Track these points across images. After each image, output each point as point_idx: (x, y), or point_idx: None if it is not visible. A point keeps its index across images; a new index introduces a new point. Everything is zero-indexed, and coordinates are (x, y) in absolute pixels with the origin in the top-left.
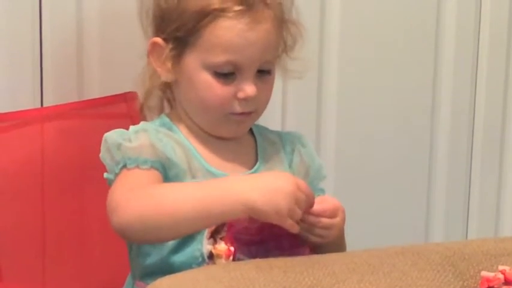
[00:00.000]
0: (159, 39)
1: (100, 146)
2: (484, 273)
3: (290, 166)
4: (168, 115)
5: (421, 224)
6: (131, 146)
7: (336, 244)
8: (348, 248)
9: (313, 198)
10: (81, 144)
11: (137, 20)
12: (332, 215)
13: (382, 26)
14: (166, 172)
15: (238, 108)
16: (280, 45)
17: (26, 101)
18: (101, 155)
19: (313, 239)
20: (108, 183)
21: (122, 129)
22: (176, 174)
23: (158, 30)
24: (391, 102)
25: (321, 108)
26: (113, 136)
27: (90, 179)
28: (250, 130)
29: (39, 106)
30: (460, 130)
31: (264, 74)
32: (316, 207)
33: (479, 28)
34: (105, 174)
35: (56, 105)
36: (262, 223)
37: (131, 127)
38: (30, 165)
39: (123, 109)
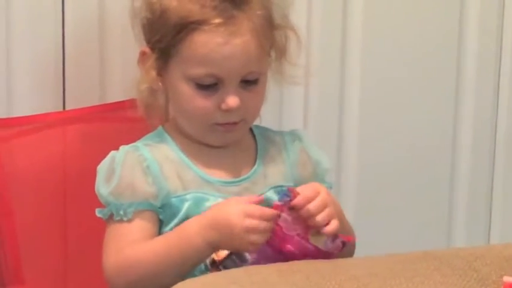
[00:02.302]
0: (147, 49)
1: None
2: (506, 278)
3: (292, 164)
4: (164, 126)
5: (443, 228)
6: (112, 189)
7: (340, 222)
8: (369, 252)
9: (269, 214)
10: (103, 147)
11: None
12: (315, 193)
13: (404, 31)
14: (158, 196)
15: (221, 118)
16: (270, 54)
17: (48, 104)
18: (96, 190)
19: (327, 229)
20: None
21: (111, 157)
22: (167, 192)
23: (146, 40)
24: (413, 106)
25: (343, 116)
26: (101, 170)
27: None
28: (252, 132)
29: (62, 109)
30: (482, 133)
31: (249, 83)
32: (297, 200)
33: (502, 29)
34: (98, 213)
35: (78, 109)
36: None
37: (120, 152)
38: (52, 168)
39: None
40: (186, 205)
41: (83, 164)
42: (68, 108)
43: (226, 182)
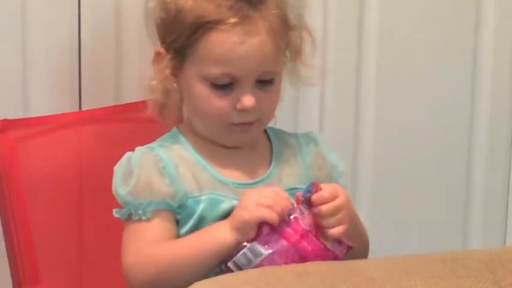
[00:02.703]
0: (161, 49)
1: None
2: None
3: (307, 167)
4: (179, 127)
5: (458, 230)
6: (130, 189)
7: (353, 226)
8: (384, 253)
9: (281, 193)
10: (118, 147)
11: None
12: (333, 197)
13: (419, 32)
14: (176, 196)
15: (237, 119)
16: (285, 53)
17: (64, 104)
18: (114, 190)
19: (331, 231)
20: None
21: (127, 157)
22: (184, 193)
23: (161, 40)
24: (428, 108)
25: (359, 117)
26: (118, 171)
27: None
28: (267, 134)
29: (78, 110)
30: (499, 134)
31: (265, 83)
32: (314, 196)
33: None
34: (115, 213)
35: (94, 109)
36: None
37: (136, 153)
38: (68, 168)
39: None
40: (201, 206)
41: (98, 164)
42: (83, 108)
43: (241, 184)
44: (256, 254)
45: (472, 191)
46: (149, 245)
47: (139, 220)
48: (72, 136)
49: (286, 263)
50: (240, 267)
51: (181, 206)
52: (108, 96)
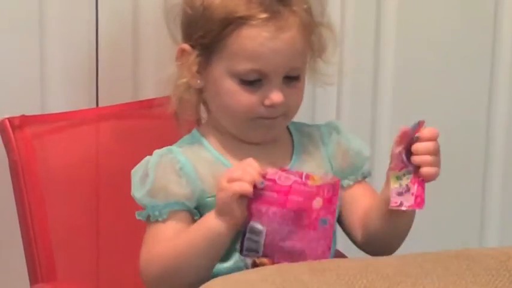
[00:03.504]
0: (186, 46)
1: (155, 146)
2: None
3: (330, 156)
4: (198, 129)
5: (475, 228)
6: (146, 191)
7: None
8: (400, 250)
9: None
10: (136, 144)
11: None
12: (433, 137)
13: (438, 27)
14: (193, 197)
15: (264, 113)
16: (310, 50)
17: (81, 101)
18: (133, 193)
19: (431, 170)
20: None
21: (145, 161)
22: (202, 193)
23: (186, 37)
24: (446, 104)
25: (375, 113)
26: (136, 174)
27: None
28: (288, 128)
29: (95, 106)
30: None
31: (291, 79)
32: (427, 130)
33: None
34: (138, 215)
35: (111, 106)
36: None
37: (153, 156)
38: (85, 164)
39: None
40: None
41: (115, 160)
42: (101, 105)
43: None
44: (257, 233)
45: (488, 189)
46: (160, 243)
47: (156, 221)
48: (89, 132)
49: (291, 227)
50: (254, 252)
51: (200, 206)
52: (125, 93)
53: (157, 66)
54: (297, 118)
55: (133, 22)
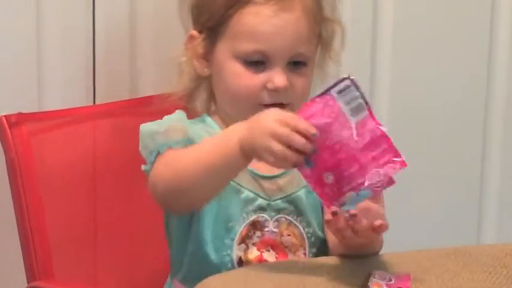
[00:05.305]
0: (194, 32)
1: None
2: None
3: None
4: (209, 114)
5: (472, 225)
6: (162, 131)
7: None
8: (398, 247)
9: (308, 129)
10: (133, 141)
11: (190, 18)
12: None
13: (434, 30)
14: None
15: (268, 99)
16: (318, 43)
17: (78, 98)
18: (139, 148)
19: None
20: (147, 175)
21: (156, 120)
22: None
23: (194, 23)
24: (443, 98)
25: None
26: (146, 127)
27: (141, 175)
28: None
29: (92, 104)
30: None
31: (298, 65)
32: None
33: None
34: (143, 167)
35: (109, 103)
36: None
37: (165, 116)
38: (83, 162)
39: (175, 107)
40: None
41: (112, 158)
42: (98, 102)
43: (261, 176)
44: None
45: (486, 186)
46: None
47: (170, 148)
48: (86, 130)
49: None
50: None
51: None
52: (122, 91)
53: (154, 63)
54: None
55: (130, 19)
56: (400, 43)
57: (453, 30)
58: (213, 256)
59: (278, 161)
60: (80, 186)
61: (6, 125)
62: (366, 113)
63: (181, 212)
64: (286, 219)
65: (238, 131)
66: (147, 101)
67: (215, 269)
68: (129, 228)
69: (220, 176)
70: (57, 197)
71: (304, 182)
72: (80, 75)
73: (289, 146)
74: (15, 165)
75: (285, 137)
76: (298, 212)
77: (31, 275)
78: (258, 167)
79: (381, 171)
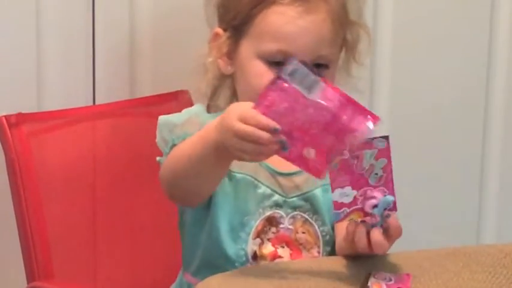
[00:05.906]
0: (219, 29)
1: (151, 144)
2: None
3: None
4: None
5: (472, 225)
6: (179, 124)
7: None
8: (398, 247)
9: (270, 125)
10: (133, 141)
11: (189, 19)
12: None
13: (434, 27)
14: None
15: None
16: (343, 46)
17: (78, 98)
18: (156, 139)
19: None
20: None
21: (175, 113)
22: None
23: (220, 21)
24: (443, 98)
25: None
26: (164, 118)
27: (141, 176)
28: None
29: (92, 104)
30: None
31: (320, 67)
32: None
33: None
34: (158, 158)
35: (108, 103)
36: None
37: (184, 109)
38: (82, 161)
39: (175, 107)
40: (234, 183)
41: (112, 158)
42: (97, 103)
43: (278, 172)
44: None
45: (486, 187)
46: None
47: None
48: (86, 130)
49: None
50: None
51: None
52: (122, 91)
53: (154, 64)
54: None
55: (130, 20)
56: (400, 43)
57: (453, 30)
58: (227, 248)
59: (253, 157)
60: (80, 185)
61: (6, 125)
62: (322, 85)
63: (184, 203)
64: (301, 216)
65: (213, 129)
66: (146, 101)
67: (229, 261)
68: (129, 228)
69: (206, 168)
70: (57, 196)
71: (321, 181)
72: (80, 75)
73: (257, 142)
74: (15, 165)
75: (251, 136)
76: (314, 210)
77: (31, 275)
78: (274, 162)
79: (357, 133)
